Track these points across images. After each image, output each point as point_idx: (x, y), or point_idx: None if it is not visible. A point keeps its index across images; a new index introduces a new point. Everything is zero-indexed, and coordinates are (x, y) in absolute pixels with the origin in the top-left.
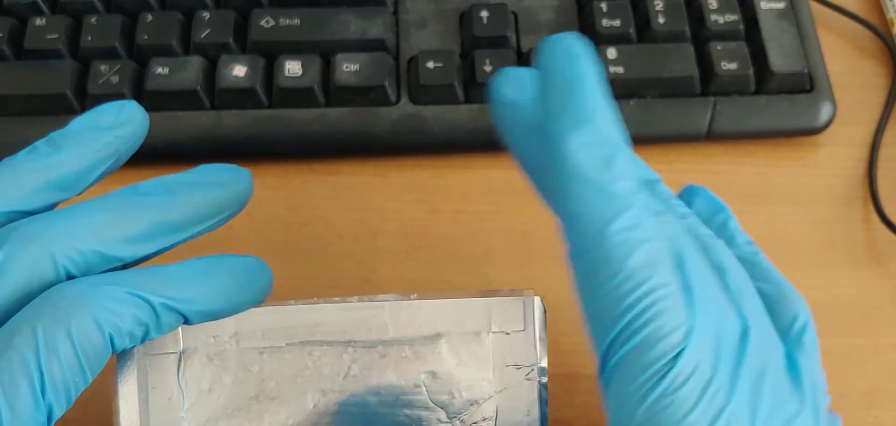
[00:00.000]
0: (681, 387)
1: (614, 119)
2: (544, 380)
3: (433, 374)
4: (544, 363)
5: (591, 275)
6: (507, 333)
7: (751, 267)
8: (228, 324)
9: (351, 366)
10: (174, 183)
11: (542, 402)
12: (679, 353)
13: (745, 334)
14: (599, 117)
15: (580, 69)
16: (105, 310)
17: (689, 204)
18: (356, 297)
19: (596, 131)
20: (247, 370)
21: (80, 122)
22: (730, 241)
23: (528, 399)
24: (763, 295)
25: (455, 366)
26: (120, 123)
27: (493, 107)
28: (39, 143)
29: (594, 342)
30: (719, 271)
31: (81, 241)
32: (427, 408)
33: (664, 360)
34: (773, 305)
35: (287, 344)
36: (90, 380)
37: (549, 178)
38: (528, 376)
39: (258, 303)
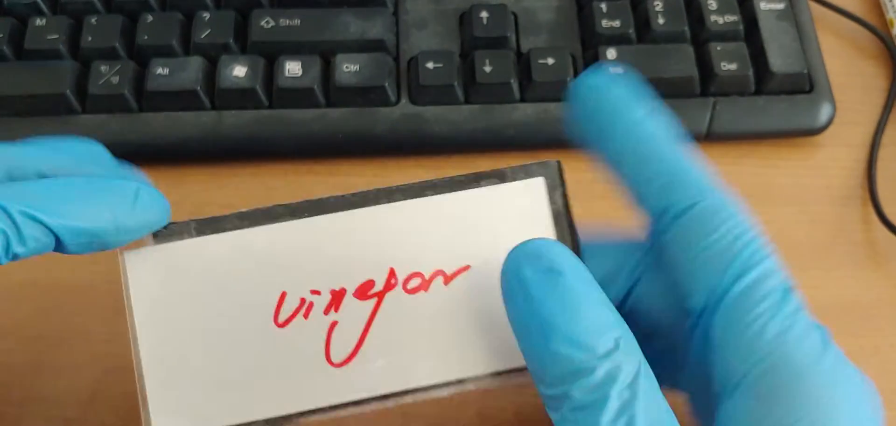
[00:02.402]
0: (799, 312)
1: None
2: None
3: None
4: None
5: (700, 226)
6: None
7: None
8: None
9: None
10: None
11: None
12: (790, 287)
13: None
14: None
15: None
16: None
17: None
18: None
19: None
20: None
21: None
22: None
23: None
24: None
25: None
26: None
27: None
28: None
29: (692, 293)
30: None
31: None
32: None
33: (780, 291)
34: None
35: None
36: None
37: (634, 162)
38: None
39: (153, 229)
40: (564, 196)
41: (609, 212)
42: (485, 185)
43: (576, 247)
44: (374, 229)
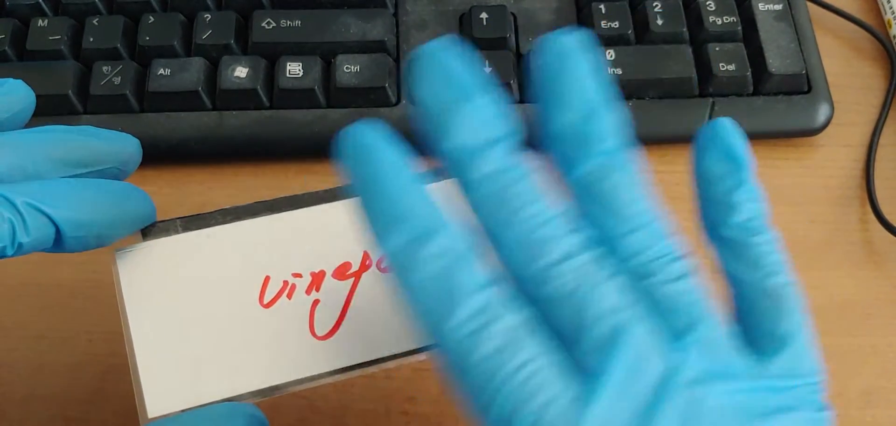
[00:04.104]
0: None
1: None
2: None
3: None
4: None
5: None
6: None
7: (741, 249)
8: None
9: None
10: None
11: None
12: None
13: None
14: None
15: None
16: None
17: (701, 156)
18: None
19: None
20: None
21: None
22: (725, 216)
23: None
24: (744, 285)
25: None
26: None
27: None
28: None
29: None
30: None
31: None
32: None
33: None
34: (750, 303)
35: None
36: None
37: None
38: None
39: (142, 226)
40: None
41: None
42: (445, 178)
43: None
44: (347, 219)
